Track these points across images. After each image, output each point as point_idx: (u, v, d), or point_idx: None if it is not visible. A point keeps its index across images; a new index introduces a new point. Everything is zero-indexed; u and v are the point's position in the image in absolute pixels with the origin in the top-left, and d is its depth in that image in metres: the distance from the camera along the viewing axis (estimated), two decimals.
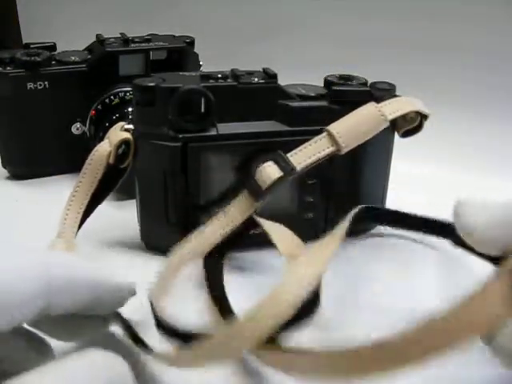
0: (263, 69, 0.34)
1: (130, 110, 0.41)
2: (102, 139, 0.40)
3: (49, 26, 0.76)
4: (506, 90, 0.51)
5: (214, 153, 0.31)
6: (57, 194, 0.42)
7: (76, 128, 0.43)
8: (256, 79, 0.33)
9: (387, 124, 0.30)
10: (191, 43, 0.47)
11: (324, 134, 0.30)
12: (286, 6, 0.62)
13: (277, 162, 0.29)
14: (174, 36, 0.46)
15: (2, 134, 0.43)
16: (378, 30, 0.57)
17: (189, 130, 0.31)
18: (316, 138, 0.30)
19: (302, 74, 0.62)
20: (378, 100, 0.31)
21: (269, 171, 0.29)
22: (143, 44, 0.43)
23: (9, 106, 0.41)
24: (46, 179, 0.44)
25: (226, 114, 0.31)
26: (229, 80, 0.33)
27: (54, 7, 0.78)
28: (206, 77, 0.33)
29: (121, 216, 0.39)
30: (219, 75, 0.33)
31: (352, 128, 0.30)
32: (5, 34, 0.82)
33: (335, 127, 0.30)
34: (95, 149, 0.33)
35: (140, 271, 0.27)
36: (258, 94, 0.32)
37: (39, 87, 0.41)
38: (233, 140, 0.31)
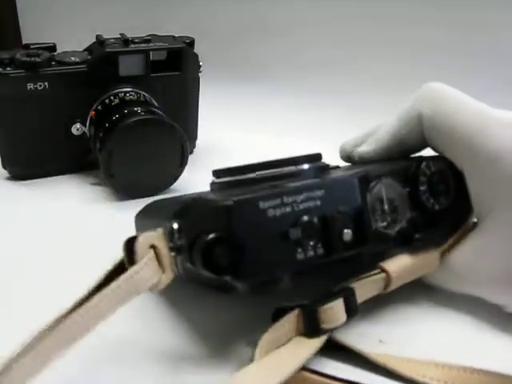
0: None
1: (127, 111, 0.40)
2: (101, 139, 0.40)
3: (49, 26, 0.76)
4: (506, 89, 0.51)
5: None
6: (57, 195, 0.42)
7: (76, 128, 0.43)
8: None
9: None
10: (191, 44, 0.47)
11: (383, 275, 0.26)
12: (286, 7, 0.62)
13: (346, 302, 0.25)
14: (173, 36, 0.46)
15: (2, 134, 0.43)
16: (378, 30, 0.57)
17: None
18: (374, 278, 0.26)
19: (302, 74, 0.62)
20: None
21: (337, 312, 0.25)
22: (143, 44, 0.43)
23: (9, 106, 0.41)
24: (46, 179, 0.44)
25: None
26: None
27: (54, 7, 0.78)
28: None
29: (121, 216, 0.39)
30: None
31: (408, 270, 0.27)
32: (5, 34, 0.82)
33: (393, 268, 0.26)
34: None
35: None
36: None
37: (39, 88, 0.41)
38: None
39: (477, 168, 0.26)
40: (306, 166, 0.26)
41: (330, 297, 0.24)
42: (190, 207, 0.23)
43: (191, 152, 0.49)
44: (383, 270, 0.26)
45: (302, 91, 0.60)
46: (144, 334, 0.27)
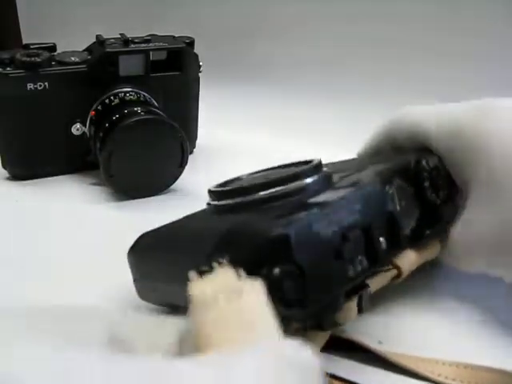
0: None
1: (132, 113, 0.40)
2: (101, 139, 0.40)
3: (49, 27, 0.76)
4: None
5: None
6: (57, 195, 0.42)
7: (76, 128, 0.43)
8: None
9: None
10: (191, 44, 0.47)
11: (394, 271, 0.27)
12: (286, 7, 0.62)
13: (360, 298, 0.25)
14: (173, 36, 0.46)
15: (2, 134, 0.43)
16: (378, 30, 0.57)
17: None
18: (387, 274, 0.26)
19: (302, 73, 0.62)
20: None
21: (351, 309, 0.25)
22: (143, 44, 0.43)
23: (9, 106, 0.41)
24: (45, 179, 0.44)
25: None
26: None
27: (54, 7, 0.78)
28: None
29: (121, 216, 0.39)
30: None
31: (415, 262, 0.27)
32: (5, 34, 0.82)
33: (403, 263, 0.27)
34: None
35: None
36: None
37: (39, 88, 0.41)
38: None
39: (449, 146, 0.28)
40: (310, 180, 0.25)
41: (350, 294, 0.24)
42: (237, 239, 0.21)
43: (191, 152, 0.49)
44: (395, 267, 0.26)
45: (302, 91, 0.60)
46: None
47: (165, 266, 0.25)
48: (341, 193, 0.23)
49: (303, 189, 0.25)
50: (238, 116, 0.58)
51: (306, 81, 0.61)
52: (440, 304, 0.29)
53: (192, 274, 0.18)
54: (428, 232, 0.26)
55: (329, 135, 0.52)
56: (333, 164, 0.33)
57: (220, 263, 0.19)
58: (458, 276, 0.31)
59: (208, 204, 0.27)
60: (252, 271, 0.18)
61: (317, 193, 0.24)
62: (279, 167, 0.29)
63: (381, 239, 0.23)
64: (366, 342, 0.25)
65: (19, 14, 0.82)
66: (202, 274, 0.18)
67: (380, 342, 0.26)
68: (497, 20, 0.51)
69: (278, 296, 0.19)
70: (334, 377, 0.23)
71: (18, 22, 0.81)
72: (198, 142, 0.51)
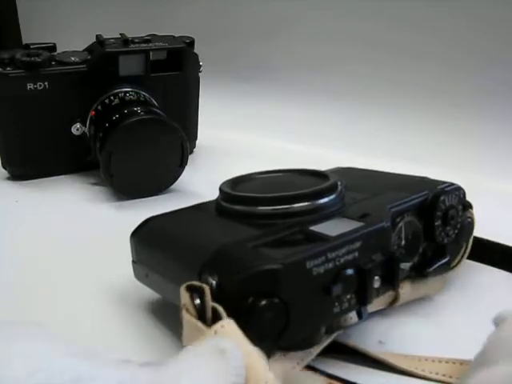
0: None
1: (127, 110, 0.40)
2: (101, 139, 0.40)
3: (49, 26, 0.76)
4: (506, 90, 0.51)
5: None
6: (57, 195, 0.42)
7: (76, 128, 0.43)
8: None
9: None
10: (191, 43, 0.47)
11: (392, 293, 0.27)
12: (286, 7, 0.62)
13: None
14: (173, 36, 0.46)
15: (2, 134, 0.43)
16: (378, 30, 0.57)
17: None
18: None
19: (302, 73, 0.62)
20: None
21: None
22: (143, 44, 0.43)
23: (9, 106, 0.41)
24: (45, 179, 0.44)
25: None
26: None
27: (54, 7, 0.78)
28: None
29: (121, 216, 0.39)
30: None
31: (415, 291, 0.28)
32: (5, 34, 0.82)
33: (403, 289, 0.27)
34: None
35: None
36: None
37: (39, 88, 0.41)
38: None
39: None
40: (326, 200, 0.25)
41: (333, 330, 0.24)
42: (228, 262, 0.21)
43: (191, 152, 0.49)
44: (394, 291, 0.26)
45: (302, 91, 0.60)
46: None
47: (159, 259, 0.25)
48: (345, 226, 0.23)
49: (311, 211, 0.25)
50: (238, 116, 0.58)
51: (307, 81, 0.61)
52: (440, 306, 0.29)
53: (183, 289, 0.20)
54: (429, 270, 0.27)
55: (328, 135, 0.52)
56: (352, 175, 0.32)
57: (209, 284, 0.20)
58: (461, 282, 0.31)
59: (216, 202, 0.27)
60: (238, 300, 0.19)
61: (323, 219, 0.24)
62: (292, 172, 0.29)
63: (376, 277, 0.23)
64: (365, 343, 0.25)
65: (19, 14, 0.82)
66: (192, 290, 0.20)
67: (381, 342, 0.26)
68: (496, 20, 0.51)
69: (257, 329, 0.19)
70: (333, 377, 0.23)
71: (17, 22, 0.81)
72: (197, 142, 0.51)
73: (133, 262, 0.27)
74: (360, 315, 0.24)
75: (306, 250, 0.21)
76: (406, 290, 0.27)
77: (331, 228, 0.23)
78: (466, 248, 0.30)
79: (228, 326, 0.18)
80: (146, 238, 0.27)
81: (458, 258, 0.30)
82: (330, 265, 0.21)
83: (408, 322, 0.28)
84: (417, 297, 0.28)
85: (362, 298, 0.22)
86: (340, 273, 0.21)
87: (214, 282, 0.20)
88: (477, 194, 0.30)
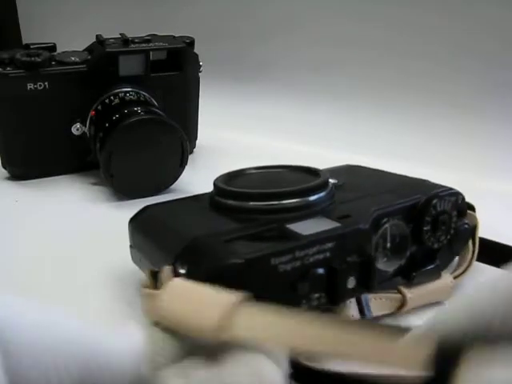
0: None
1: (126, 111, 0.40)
2: (101, 139, 0.40)
3: (49, 26, 0.76)
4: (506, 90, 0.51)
5: None
6: (57, 195, 0.42)
7: (76, 128, 0.43)
8: None
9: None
10: (191, 43, 0.47)
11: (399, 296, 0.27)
12: (286, 7, 0.62)
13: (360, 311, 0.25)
14: (173, 36, 0.46)
15: (2, 134, 0.43)
16: (379, 30, 0.57)
17: None
18: (390, 296, 0.27)
19: (302, 73, 0.62)
20: None
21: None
22: (143, 44, 0.43)
23: (9, 106, 0.41)
24: (46, 179, 0.44)
25: None
26: None
27: (54, 7, 0.78)
28: None
29: (121, 216, 0.39)
30: None
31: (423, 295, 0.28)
32: (5, 34, 0.82)
33: (411, 296, 0.27)
34: None
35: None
36: None
37: (39, 88, 0.41)
38: None
39: None
40: (312, 198, 0.25)
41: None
42: (198, 254, 0.22)
43: (191, 152, 0.49)
44: (400, 292, 0.26)
45: (302, 91, 0.60)
46: None
47: (149, 245, 0.26)
48: (321, 226, 0.23)
49: (294, 208, 0.25)
50: (238, 116, 0.58)
51: (307, 81, 0.61)
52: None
53: (148, 273, 0.22)
54: (415, 273, 0.26)
55: (328, 135, 0.52)
56: (357, 174, 0.32)
57: (179, 274, 0.21)
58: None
59: (209, 196, 0.28)
60: None
61: (304, 217, 0.24)
62: (288, 168, 0.29)
63: (350, 278, 0.23)
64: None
65: (19, 14, 0.82)
66: (154, 275, 0.21)
67: None
68: (497, 21, 0.51)
69: None
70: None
71: (17, 22, 0.81)
72: (197, 142, 0.51)
73: (130, 246, 0.28)
74: (362, 312, 0.24)
75: (272, 247, 0.21)
76: (414, 294, 0.27)
77: (307, 227, 0.23)
78: (474, 252, 0.29)
79: (176, 281, 0.19)
80: (141, 224, 0.28)
81: (467, 262, 0.29)
82: (298, 263, 0.22)
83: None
84: (426, 302, 0.28)
85: (333, 298, 0.22)
86: (309, 271, 0.22)
87: (183, 272, 0.21)
88: (477, 194, 0.30)
